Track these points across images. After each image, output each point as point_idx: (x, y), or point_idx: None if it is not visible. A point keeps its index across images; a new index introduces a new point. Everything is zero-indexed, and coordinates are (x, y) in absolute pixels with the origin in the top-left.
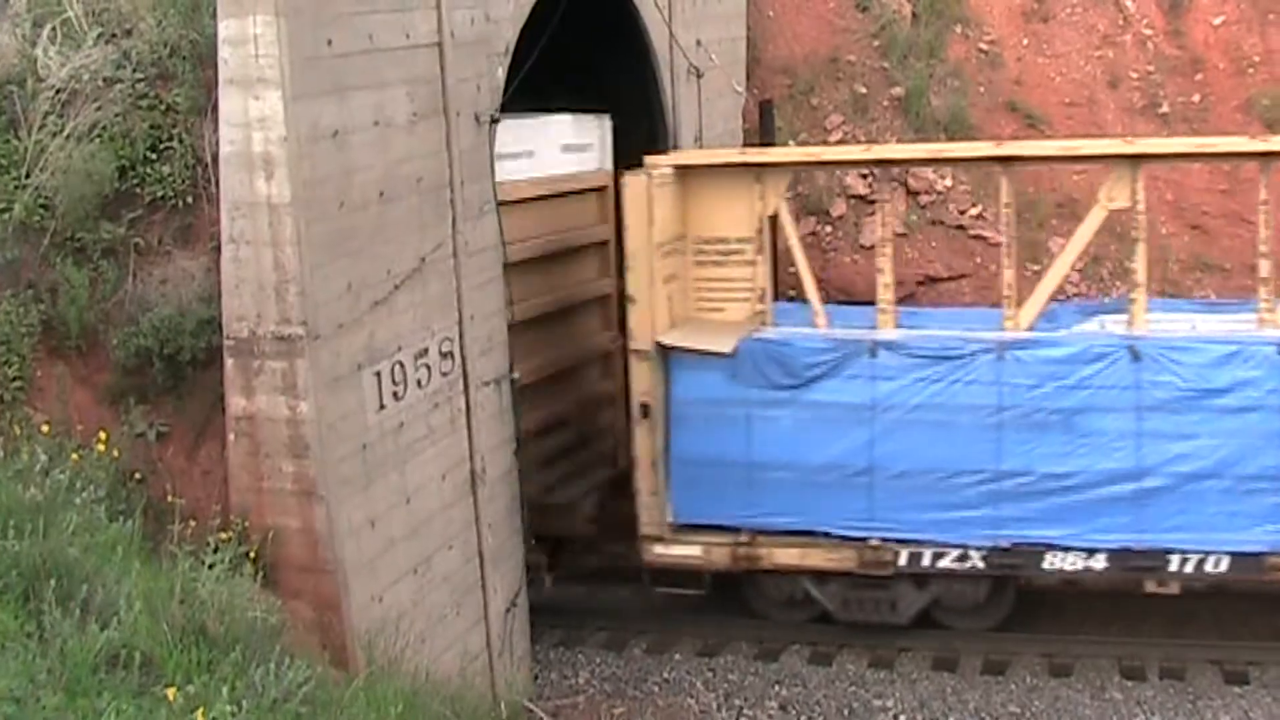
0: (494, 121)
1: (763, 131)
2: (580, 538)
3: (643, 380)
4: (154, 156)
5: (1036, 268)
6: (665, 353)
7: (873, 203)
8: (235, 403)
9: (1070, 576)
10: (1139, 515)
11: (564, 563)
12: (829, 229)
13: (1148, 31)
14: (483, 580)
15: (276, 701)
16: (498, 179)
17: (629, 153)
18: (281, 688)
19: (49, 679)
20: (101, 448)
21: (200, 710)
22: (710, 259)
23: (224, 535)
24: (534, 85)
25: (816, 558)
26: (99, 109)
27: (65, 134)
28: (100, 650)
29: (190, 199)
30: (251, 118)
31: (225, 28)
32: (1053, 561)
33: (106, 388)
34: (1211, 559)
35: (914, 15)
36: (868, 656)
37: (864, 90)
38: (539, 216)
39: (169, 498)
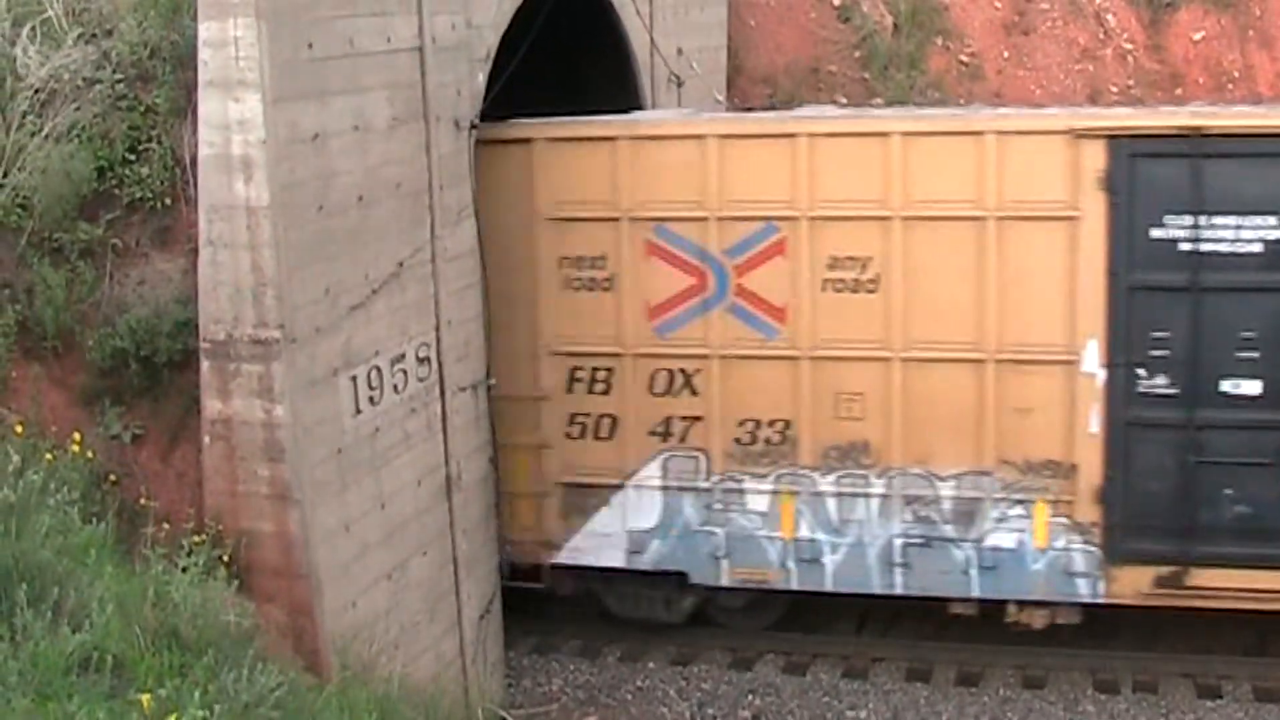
0: (473, 127)
1: None
2: None
3: None
4: (133, 158)
5: None
6: None
7: None
8: (211, 405)
9: None
10: None
11: None
12: None
13: (1128, 46)
14: (457, 586)
15: (249, 706)
16: None
17: None
18: (254, 692)
19: (20, 681)
20: (76, 449)
21: (173, 715)
22: None
23: (198, 539)
24: (515, 91)
25: None
26: (78, 109)
27: (44, 134)
28: (72, 653)
29: (168, 201)
30: (231, 120)
31: (205, 30)
32: None
33: (82, 389)
34: None
35: (895, 27)
36: (841, 666)
37: (845, 100)
38: None
39: (143, 500)
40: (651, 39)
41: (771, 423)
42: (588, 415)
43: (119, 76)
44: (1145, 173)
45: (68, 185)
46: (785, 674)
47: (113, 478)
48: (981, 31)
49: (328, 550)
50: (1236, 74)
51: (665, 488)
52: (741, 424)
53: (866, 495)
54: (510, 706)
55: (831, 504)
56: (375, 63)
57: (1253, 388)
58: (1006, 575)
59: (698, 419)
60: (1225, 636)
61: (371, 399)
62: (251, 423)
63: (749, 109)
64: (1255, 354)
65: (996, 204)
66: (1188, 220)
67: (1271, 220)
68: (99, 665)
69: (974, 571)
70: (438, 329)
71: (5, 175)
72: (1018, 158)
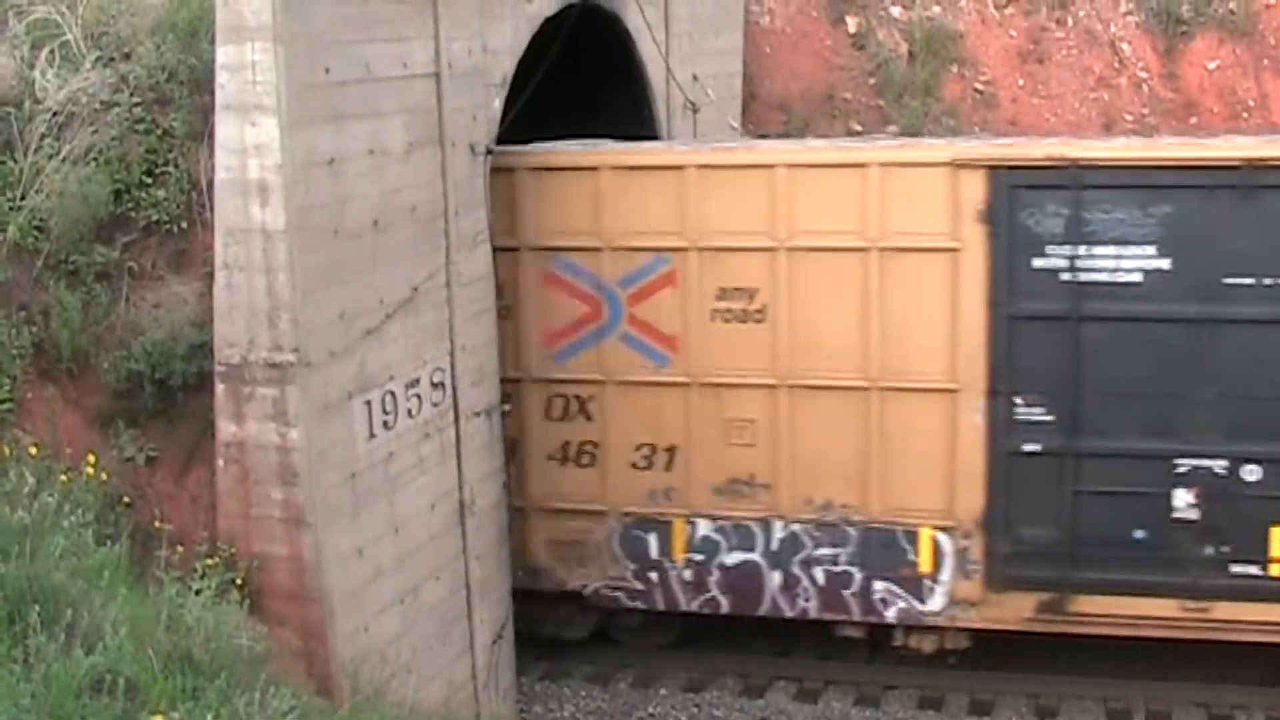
0: (489, 153)
1: None
2: None
3: None
4: (149, 181)
5: None
6: None
7: None
8: (225, 429)
9: None
10: None
11: None
12: None
13: (1143, 74)
14: (469, 611)
15: None
16: None
17: None
18: (266, 716)
19: (33, 704)
20: (90, 471)
21: None
22: None
23: (211, 561)
24: (530, 117)
25: None
26: (95, 132)
27: (61, 157)
28: (85, 675)
29: (185, 224)
30: (248, 144)
31: (223, 54)
32: None
33: (96, 411)
34: None
35: (910, 54)
36: (854, 694)
37: (859, 127)
38: None
39: (157, 523)
40: (667, 65)
41: None
42: None
43: (136, 100)
44: None
45: (84, 208)
46: (797, 701)
47: (127, 500)
48: (997, 59)
49: (340, 574)
50: (1251, 103)
51: None
52: None
53: None
54: None
55: None
56: (392, 88)
57: None
58: None
59: None
60: (1239, 665)
61: (385, 423)
62: (265, 446)
63: (764, 135)
64: None
65: None
66: None
67: None
68: (111, 688)
69: None
70: (452, 354)
71: (23, 198)
72: None
